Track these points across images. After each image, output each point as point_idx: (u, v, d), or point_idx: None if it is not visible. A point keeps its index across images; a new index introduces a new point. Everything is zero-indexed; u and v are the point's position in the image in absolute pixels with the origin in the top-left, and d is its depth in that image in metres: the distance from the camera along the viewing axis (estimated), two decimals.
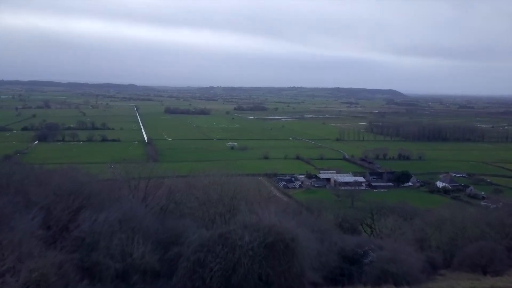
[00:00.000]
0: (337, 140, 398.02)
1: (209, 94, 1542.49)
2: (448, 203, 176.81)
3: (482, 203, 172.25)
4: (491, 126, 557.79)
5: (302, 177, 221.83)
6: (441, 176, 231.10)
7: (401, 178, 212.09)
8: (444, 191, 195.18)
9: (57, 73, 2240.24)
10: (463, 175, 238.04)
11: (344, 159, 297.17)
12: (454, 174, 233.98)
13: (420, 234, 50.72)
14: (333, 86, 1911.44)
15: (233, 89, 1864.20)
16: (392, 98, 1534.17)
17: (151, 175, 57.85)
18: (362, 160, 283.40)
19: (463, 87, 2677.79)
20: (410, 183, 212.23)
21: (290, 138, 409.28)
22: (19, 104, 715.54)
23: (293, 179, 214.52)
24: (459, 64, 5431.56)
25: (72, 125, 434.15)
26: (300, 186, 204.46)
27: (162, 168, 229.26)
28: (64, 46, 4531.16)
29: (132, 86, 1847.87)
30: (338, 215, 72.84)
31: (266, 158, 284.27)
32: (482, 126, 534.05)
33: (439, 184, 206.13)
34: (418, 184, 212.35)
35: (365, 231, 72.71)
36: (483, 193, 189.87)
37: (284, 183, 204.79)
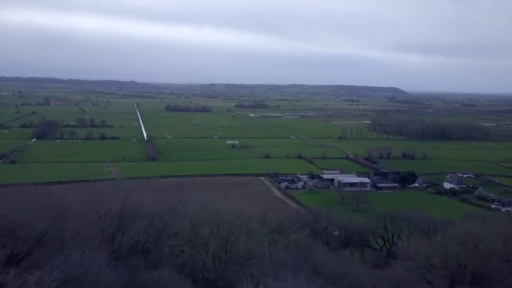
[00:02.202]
0: (340, 138, 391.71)
1: (210, 91, 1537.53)
2: (457, 205, 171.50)
3: (493, 206, 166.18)
4: (495, 124, 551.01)
5: (304, 177, 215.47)
6: (447, 176, 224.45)
7: (407, 179, 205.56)
8: (452, 192, 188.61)
9: (58, 70, 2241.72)
10: (470, 175, 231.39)
11: (347, 158, 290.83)
12: (461, 175, 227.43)
13: (443, 251, 44.60)
14: (335, 84, 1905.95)
15: (234, 86, 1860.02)
16: (394, 95, 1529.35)
17: (127, 196, 46.75)
18: (366, 159, 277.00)
19: (465, 85, 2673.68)
20: (416, 184, 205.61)
21: (292, 137, 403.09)
22: (19, 101, 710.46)
23: (295, 179, 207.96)
24: (461, 61, 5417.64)
25: (71, 123, 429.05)
26: (303, 187, 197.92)
27: (158, 169, 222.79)
28: (65, 43, 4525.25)
29: (133, 83, 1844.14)
30: (348, 226, 66.38)
31: (267, 157, 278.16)
32: (486, 124, 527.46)
33: (447, 185, 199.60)
34: (424, 185, 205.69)
35: (376, 242, 66.66)
36: (492, 194, 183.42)
37: (286, 183, 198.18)
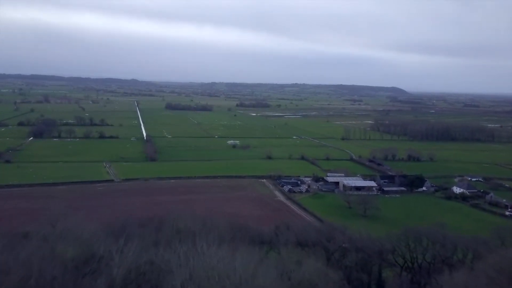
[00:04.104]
0: (343, 139, 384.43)
1: (211, 90, 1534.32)
2: (469, 212, 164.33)
3: (507, 212, 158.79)
4: (499, 125, 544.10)
5: (308, 180, 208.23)
6: (456, 180, 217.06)
7: (414, 183, 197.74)
8: (463, 197, 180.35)
9: (59, 68, 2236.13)
10: (479, 179, 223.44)
11: (351, 160, 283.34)
12: (469, 178, 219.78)
13: (488, 283, 37.44)
14: (336, 83, 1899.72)
15: (235, 85, 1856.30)
16: (395, 95, 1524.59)
17: (94, 243, 31.84)
18: (370, 161, 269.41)
19: (466, 85, 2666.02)
20: (424, 188, 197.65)
21: (294, 137, 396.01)
22: (18, 98, 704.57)
23: (299, 182, 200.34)
24: (462, 61, 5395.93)
25: (70, 121, 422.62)
26: (307, 190, 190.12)
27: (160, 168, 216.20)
28: (66, 41, 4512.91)
29: (134, 81, 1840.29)
30: (365, 246, 59.02)
31: (269, 158, 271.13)
32: (490, 125, 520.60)
33: (456, 189, 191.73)
34: (432, 189, 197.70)
35: (396, 262, 59.57)
36: (504, 200, 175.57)
37: (289, 186, 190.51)
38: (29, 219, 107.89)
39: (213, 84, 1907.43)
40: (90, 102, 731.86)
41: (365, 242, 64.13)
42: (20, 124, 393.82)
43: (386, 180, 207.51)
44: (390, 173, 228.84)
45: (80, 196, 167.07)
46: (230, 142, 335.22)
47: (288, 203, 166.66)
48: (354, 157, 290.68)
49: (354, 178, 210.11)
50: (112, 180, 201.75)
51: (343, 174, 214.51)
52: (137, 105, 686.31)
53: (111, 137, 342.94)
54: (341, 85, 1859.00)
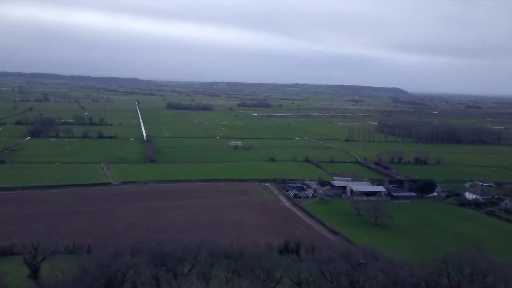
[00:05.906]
0: (347, 140, 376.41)
1: (212, 89, 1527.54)
2: (485, 220, 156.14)
3: None
4: (503, 127, 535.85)
5: (314, 184, 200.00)
6: (467, 185, 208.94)
7: (425, 188, 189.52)
8: (476, 204, 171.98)
9: (59, 66, 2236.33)
10: (491, 184, 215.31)
11: (357, 162, 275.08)
12: (480, 183, 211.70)
13: None
14: (337, 83, 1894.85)
15: (236, 84, 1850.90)
16: (397, 96, 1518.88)
17: None
18: (377, 164, 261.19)
19: (467, 86, 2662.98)
20: (435, 193, 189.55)
21: (297, 138, 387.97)
22: (18, 97, 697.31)
23: (304, 186, 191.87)
24: (463, 62, 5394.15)
25: (68, 120, 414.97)
26: (313, 195, 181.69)
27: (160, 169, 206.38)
28: (67, 39, 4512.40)
29: (134, 80, 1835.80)
30: (398, 276, 51.06)
31: (272, 160, 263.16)
32: (495, 127, 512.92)
33: (469, 195, 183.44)
34: (444, 195, 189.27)
35: None
36: None
37: (294, 191, 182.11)
38: (18, 228, 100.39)
39: (214, 83, 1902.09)
40: (90, 101, 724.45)
41: (398, 273, 55.67)
42: (18, 123, 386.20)
43: (395, 185, 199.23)
44: (398, 177, 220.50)
45: (75, 200, 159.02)
46: (232, 143, 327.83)
47: (294, 209, 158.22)
48: (359, 159, 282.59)
49: (362, 182, 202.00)
50: (109, 183, 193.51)
51: (349, 178, 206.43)
52: (138, 104, 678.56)
53: (110, 137, 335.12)
54: (342, 85, 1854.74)
